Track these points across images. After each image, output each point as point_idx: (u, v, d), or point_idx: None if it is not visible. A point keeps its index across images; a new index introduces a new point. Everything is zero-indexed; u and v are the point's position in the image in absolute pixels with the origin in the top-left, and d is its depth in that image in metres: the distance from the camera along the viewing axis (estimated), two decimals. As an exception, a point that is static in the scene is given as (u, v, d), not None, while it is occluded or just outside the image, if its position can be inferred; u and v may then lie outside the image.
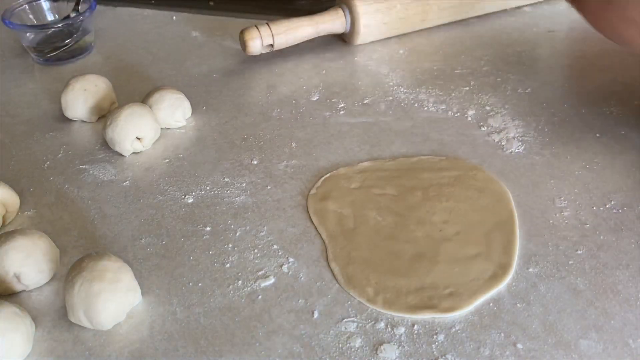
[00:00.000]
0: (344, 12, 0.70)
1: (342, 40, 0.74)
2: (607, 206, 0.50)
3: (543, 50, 0.71)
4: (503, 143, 0.57)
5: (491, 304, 0.43)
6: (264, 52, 0.69)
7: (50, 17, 0.76)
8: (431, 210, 0.50)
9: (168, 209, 0.52)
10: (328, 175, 0.54)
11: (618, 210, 0.49)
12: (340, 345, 0.41)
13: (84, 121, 0.63)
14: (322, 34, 0.71)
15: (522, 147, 0.56)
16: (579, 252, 0.46)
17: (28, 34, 0.73)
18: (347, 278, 0.45)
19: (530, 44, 0.72)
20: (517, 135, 0.58)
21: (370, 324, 0.42)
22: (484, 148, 0.56)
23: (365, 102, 0.64)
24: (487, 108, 0.62)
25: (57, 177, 0.56)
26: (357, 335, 0.41)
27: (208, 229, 0.50)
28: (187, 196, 0.53)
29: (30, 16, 0.75)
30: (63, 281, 0.43)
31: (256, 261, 0.47)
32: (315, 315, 0.43)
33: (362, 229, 0.49)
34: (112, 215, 0.52)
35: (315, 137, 0.59)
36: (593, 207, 0.50)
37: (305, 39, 0.71)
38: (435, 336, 0.41)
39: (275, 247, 0.48)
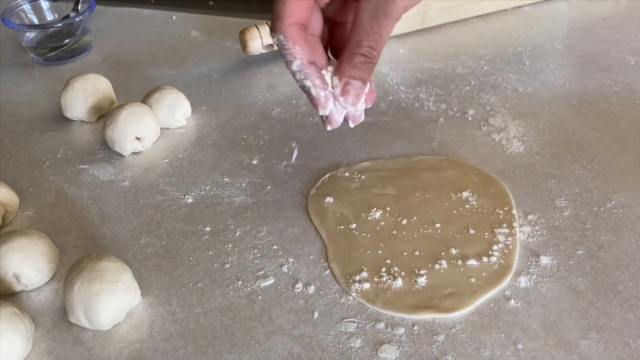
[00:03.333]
0: (344, 12, 0.70)
1: (342, 40, 0.74)
2: (607, 206, 0.50)
3: (543, 50, 0.71)
4: (503, 143, 0.57)
5: (491, 304, 0.43)
6: (264, 52, 0.69)
7: (50, 17, 0.76)
8: (431, 210, 0.50)
9: (168, 209, 0.52)
10: (328, 175, 0.54)
11: (618, 210, 0.49)
12: (340, 345, 0.41)
13: (83, 121, 0.63)
14: (322, 33, 0.71)
15: (522, 147, 0.56)
16: (579, 252, 0.46)
17: (28, 34, 0.73)
18: (347, 278, 0.45)
19: (530, 44, 0.72)
20: (517, 135, 0.58)
21: (370, 324, 0.42)
22: (484, 148, 0.56)
23: (365, 102, 0.64)
24: (487, 108, 0.62)
25: (57, 177, 0.56)
26: (357, 335, 0.41)
27: (208, 229, 0.50)
28: (186, 196, 0.53)
29: (30, 16, 0.75)
30: (63, 281, 0.43)
31: (256, 261, 0.47)
32: (315, 315, 0.43)
33: (362, 229, 0.49)
34: (112, 215, 0.52)
35: (315, 137, 0.59)
36: (593, 207, 0.50)
37: (305, 39, 0.70)
38: (435, 336, 0.41)
39: (275, 247, 0.48)
